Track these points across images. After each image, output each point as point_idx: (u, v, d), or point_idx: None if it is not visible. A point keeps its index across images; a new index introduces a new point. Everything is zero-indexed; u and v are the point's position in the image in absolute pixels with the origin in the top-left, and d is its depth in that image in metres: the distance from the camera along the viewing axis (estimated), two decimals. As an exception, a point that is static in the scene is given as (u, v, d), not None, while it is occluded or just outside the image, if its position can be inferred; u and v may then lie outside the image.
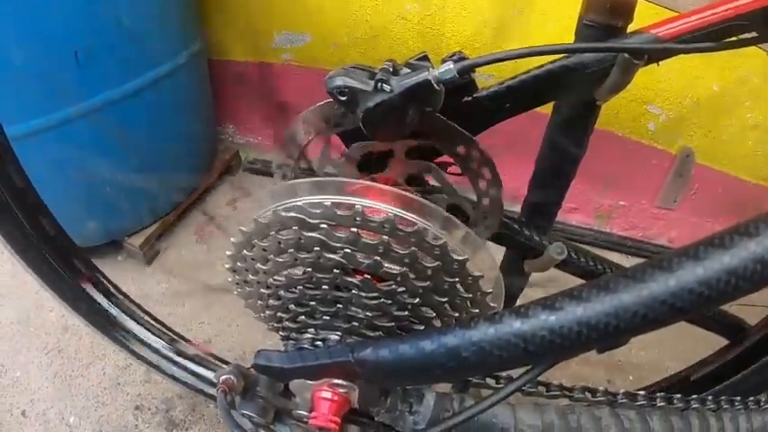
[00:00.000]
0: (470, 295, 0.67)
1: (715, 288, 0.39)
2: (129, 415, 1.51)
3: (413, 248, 0.62)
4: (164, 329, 1.17)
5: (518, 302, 1.05)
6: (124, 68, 1.58)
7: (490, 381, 0.81)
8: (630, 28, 0.73)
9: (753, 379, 1.01)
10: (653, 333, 0.44)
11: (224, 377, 0.71)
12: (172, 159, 1.92)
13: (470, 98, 0.73)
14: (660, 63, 0.71)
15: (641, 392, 0.80)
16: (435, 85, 0.60)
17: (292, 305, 0.71)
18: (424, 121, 0.63)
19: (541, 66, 0.73)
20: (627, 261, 2.07)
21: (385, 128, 0.64)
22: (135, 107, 1.64)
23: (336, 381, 0.68)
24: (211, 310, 1.81)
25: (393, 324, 0.68)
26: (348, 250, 0.62)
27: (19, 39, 1.32)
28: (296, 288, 0.69)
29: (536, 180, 0.94)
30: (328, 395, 0.68)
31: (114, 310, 1.08)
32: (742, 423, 0.73)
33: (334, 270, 0.65)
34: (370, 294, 0.65)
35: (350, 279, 0.65)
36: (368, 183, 0.64)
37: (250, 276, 0.74)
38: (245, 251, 0.71)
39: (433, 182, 0.80)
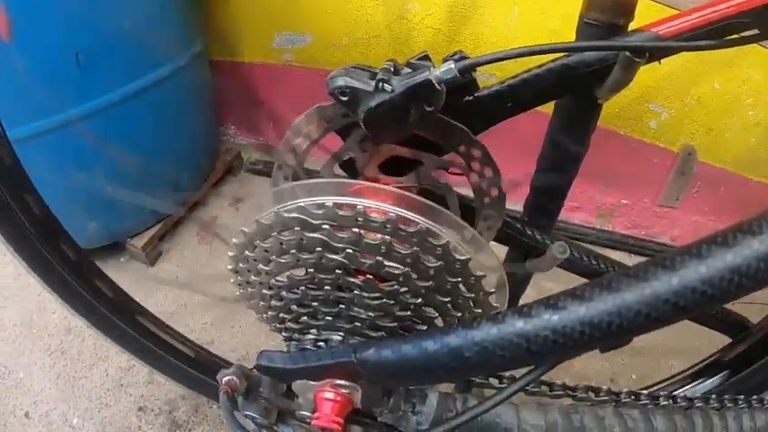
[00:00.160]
0: (473, 295, 0.67)
1: (718, 287, 0.39)
2: (133, 416, 1.51)
3: (415, 248, 0.61)
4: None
5: (520, 302, 1.05)
6: (125, 70, 1.58)
7: (493, 380, 0.81)
8: (632, 26, 0.73)
9: (756, 377, 1.01)
10: (656, 331, 0.44)
11: (227, 378, 0.71)
12: (173, 160, 1.92)
13: (472, 97, 0.73)
14: (662, 61, 0.71)
15: (644, 392, 0.80)
16: (436, 84, 0.60)
17: (294, 306, 0.71)
18: (426, 120, 0.63)
19: (543, 64, 0.73)
20: (629, 259, 2.07)
21: (386, 128, 0.63)
22: (136, 108, 1.64)
23: (339, 381, 0.68)
24: (214, 311, 1.81)
25: (395, 324, 0.68)
26: (350, 251, 0.62)
27: (20, 41, 1.32)
28: (298, 289, 0.69)
29: (538, 179, 0.94)
30: (331, 396, 0.68)
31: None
32: (746, 421, 0.73)
33: (337, 270, 0.65)
34: (373, 294, 0.65)
35: (352, 279, 0.65)
36: (369, 183, 0.64)
37: (252, 277, 0.74)
38: (246, 252, 0.71)
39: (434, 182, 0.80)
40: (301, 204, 0.64)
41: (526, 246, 0.93)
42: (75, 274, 0.93)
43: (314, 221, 0.62)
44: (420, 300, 0.65)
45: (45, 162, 1.48)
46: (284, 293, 0.71)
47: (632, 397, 0.79)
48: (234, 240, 0.72)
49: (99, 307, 0.98)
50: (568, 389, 0.80)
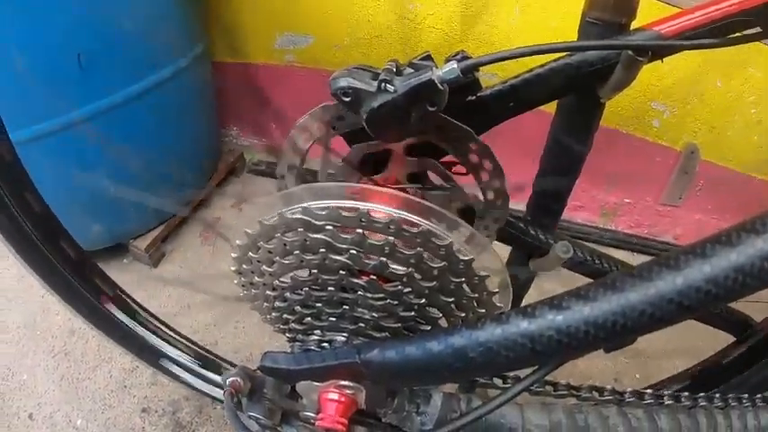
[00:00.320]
0: (477, 295, 0.67)
1: (722, 286, 0.39)
2: (136, 417, 1.51)
3: (418, 249, 0.61)
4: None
5: (524, 302, 1.05)
6: (127, 71, 1.58)
7: (497, 380, 0.81)
8: (634, 25, 0.73)
9: (760, 375, 1.01)
10: (660, 330, 0.44)
11: (231, 379, 0.71)
12: (176, 162, 1.92)
13: (474, 97, 0.73)
14: (664, 60, 0.71)
15: (648, 391, 0.80)
16: (439, 84, 0.60)
17: (298, 307, 0.71)
18: (428, 120, 0.63)
19: (545, 64, 0.73)
20: (632, 259, 2.07)
21: (389, 128, 0.64)
22: (138, 110, 1.64)
23: (343, 382, 0.68)
24: (217, 312, 1.81)
25: (399, 325, 0.68)
26: (354, 251, 0.62)
27: (21, 43, 1.32)
28: (302, 290, 0.69)
29: (541, 178, 0.94)
30: (335, 396, 0.68)
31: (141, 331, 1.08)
32: (750, 420, 0.73)
33: (340, 271, 0.65)
34: (377, 295, 0.65)
35: (356, 280, 0.65)
36: (372, 187, 0.64)
37: (256, 278, 0.74)
38: (250, 253, 0.71)
39: (437, 182, 0.80)
40: (305, 205, 0.64)
41: (529, 245, 0.93)
42: (77, 274, 0.93)
43: (317, 222, 0.62)
44: (424, 300, 0.65)
45: (47, 164, 1.48)
46: (288, 294, 0.71)
47: (636, 396, 0.79)
48: (237, 242, 0.72)
49: (99, 307, 0.98)
50: (572, 389, 0.80)
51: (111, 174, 1.68)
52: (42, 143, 1.47)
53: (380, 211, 0.62)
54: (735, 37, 0.66)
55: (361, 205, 0.61)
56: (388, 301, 0.65)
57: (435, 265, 0.63)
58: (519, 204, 0.94)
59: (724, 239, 0.40)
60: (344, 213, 0.61)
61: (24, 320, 1.77)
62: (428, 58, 0.66)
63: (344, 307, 0.68)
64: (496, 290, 0.67)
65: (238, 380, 0.71)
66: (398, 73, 0.62)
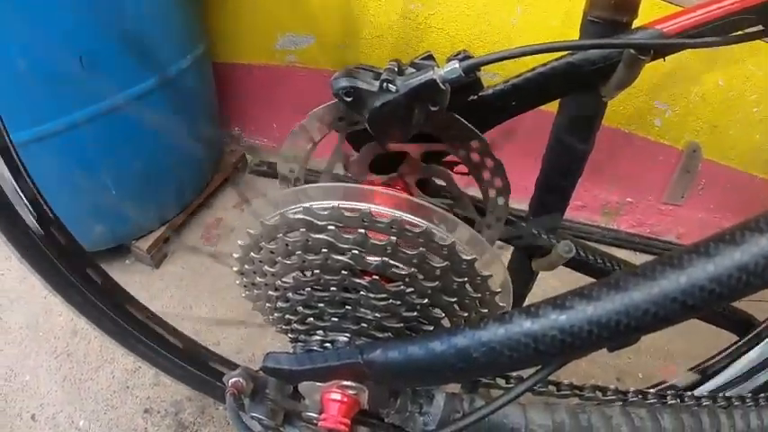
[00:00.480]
0: (479, 295, 0.67)
1: (726, 285, 0.39)
2: (139, 418, 1.51)
3: (421, 249, 0.61)
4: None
5: (526, 301, 1.05)
6: (129, 73, 1.58)
7: (500, 380, 0.81)
8: (635, 24, 0.73)
9: (763, 375, 1.01)
10: (662, 330, 0.44)
11: (233, 380, 0.71)
12: (178, 163, 1.92)
13: (476, 97, 0.73)
14: (666, 58, 0.71)
15: (652, 390, 0.79)
16: (441, 84, 0.60)
17: (300, 307, 0.71)
18: (430, 119, 0.63)
19: (547, 63, 0.73)
20: (635, 258, 2.06)
21: (391, 128, 0.63)
22: (140, 111, 1.64)
23: (346, 382, 0.67)
24: (219, 313, 1.81)
25: (402, 325, 0.68)
26: (356, 251, 0.62)
27: (23, 44, 1.32)
28: (304, 290, 0.69)
29: (543, 178, 0.94)
30: (338, 397, 0.68)
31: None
32: (753, 420, 0.73)
33: (343, 271, 0.65)
34: (379, 295, 0.65)
35: (358, 280, 0.65)
36: (374, 188, 0.64)
37: (258, 279, 0.74)
38: (252, 254, 0.71)
39: (439, 182, 0.80)
40: (307, 205, 0.63)
41: (532, 245, 0.93)
42: (79, 275, 0.93)
43: (319, 222, 0.62)
44: (426, 300, 0.65)
45: (49, 165, 1.49)
46: (290, 295, 0.71)
47: (640, 396, 0.78)
48: (239, 242, 0.72)
49: (102, 307, 0.98)
50: (576, 388, 0.80)
51: (113, 174, 1.68)
52: (44, 144, 1.47)
53: (384, 212, 0.62)
54: (736, 35, 0.66)
55: (364, 206, 0.61)
56: (391, 301, 0.65)
57: (438, 265, 0.63)
58: (521, 204, 0.94)
59: (727, 238, 0.40)
60: (347, 213, 0.61)
61: (27, 321, 1.78)
62: (430, 57, 0.66)
63: (347, 307, 0.68)
64: (499, 289, 0.67)
65: (241, 380, 0.71)
66: (400, 73, 0.63)
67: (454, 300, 0.66)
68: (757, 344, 1.04)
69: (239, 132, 2.54)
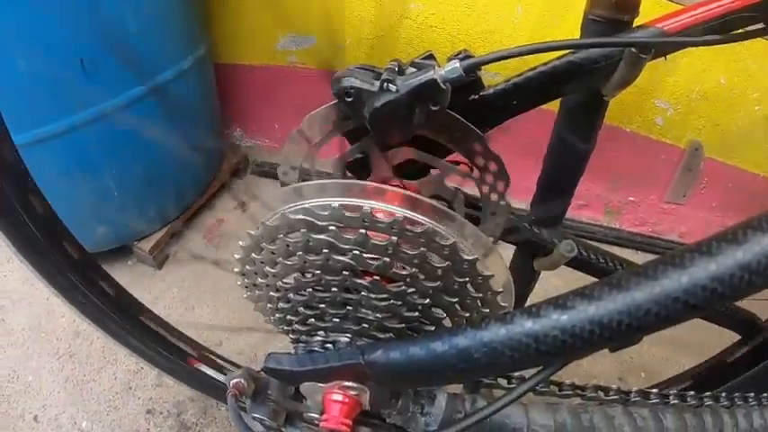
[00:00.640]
0: (481, 295, 0.67)
1: (729, 284, 0.39)
2: (141, 419, 1.51)
3: (422, 249, 0.61)
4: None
5: (528, 301, 1.05)
6: (130, 74, 1.58)
7: (502, 380, 0.81)
8: (636, 22, 0.72)
9: (766, 374, 1.01)
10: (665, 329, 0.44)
11: (235, 381, 0.71)
12: (179, 163, 1.92)
13: (477, 96, 0.73)
14: (667, 57, 0.70)
15: (654, 390, 0.79)
16: (441, 83, 0.60)
17: (302, 308, 0.71)
18: (431, 118, 0.63)
19: (548, 62, 0.72)
20: (637, 257, 2.06)
21: (392, 128, 0.63)
22: (142, 113, 1.64)
23: (347, 383, 0.67)
24: (221, 313, 1.81)
25: (403, 325, 0.68)
26: (357, 252, 0.62)
27: (24, 47, 1.33)
28: (305, 291, 0.69)
29: (545, 177, 0.94)
30: (339, 397, 0.68)
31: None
32: (756, 419, 0.73)
33: (344, 272, 0.64)
34: (380, 296, 0.65)
35: (359, 281, 0.65)
36: (375, 184, 0.64)
37: (259, 279, 0.74)
38: (253, 254, 0.71)
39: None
40: (307, 206, 0.63)
41: (534, 244, 0.92)
42: (81, 277, 0.93)
43: (320, 223, 0.62)
44: (428, 300, 0.65)
45: (51, 167, 1.49)
46: (291, 295, 0.70)
47: (642, 396, 0.78)
48: (240, 243, 0.71)
49: (105, 309, 0.98)
50: (578, 388, 0.79)
51: (114, 176, 1.68)
52: (46, 146, 1.47)
53: (384, 209, 0.61)
54: (738, 33, 0.65)
55: (365, 203, 0.61)
56: (392, 301, 0.65)
57: (439, 265, 0.63)
58: (523, 203, 0.93)
59: (730, 237, 0.39)
60: (347, 213, 0.61)
61: (29, 322, 1.78)
62: (430, 57, 0.66)
63: (348, 308, 0.68)
64: (501, 289, 0.67)
65: (242, 381, 0.71)
66: (401, 72, 0.62)
67: (455, 300, 0.66)
68: (760, 343, 1.04)
69: (241, 133, 2.54)
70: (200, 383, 1.13)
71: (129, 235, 1.92)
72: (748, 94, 1.72)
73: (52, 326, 1.76)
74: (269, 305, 0.76)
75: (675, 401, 0.78)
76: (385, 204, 0.62)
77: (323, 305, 0.69)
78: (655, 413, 0.72)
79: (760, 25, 0.64)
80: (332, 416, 0.67)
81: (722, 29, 0.65)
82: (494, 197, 0.75)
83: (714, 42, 0.65)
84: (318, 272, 0.66)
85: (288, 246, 0.65)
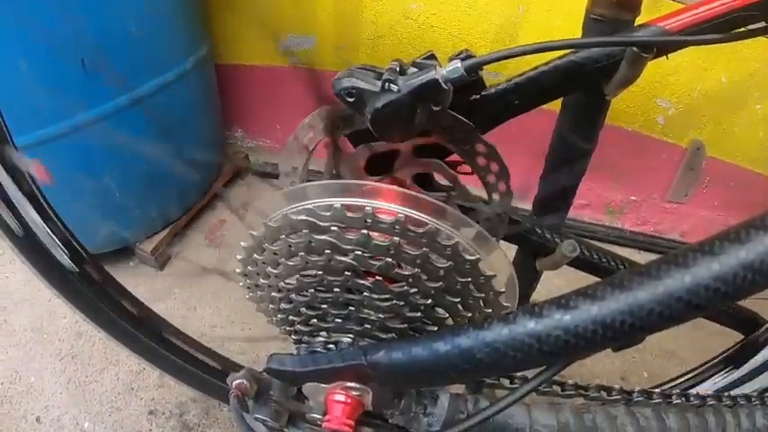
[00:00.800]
0: (483, 295, 0.66)
1: (731, 284, 0.39)
2: (144, 420, 1.51)
3: (424, 249, 0.61)
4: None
5: (530, 301, 1.05)
6: (131, 75, 1.58)
7: (504, 380, 0.81)
8: (638, 21, 0.72)
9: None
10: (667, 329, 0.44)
11: (237, 381, 0.71)
12: (181, 164, 1.92)
13: (478, 96, 0.73)
14: (669, 56, 0.70)
15: (657, 390, 0.79)
16: (443, 83, 0.59)
17: (304, 308, 0.71)
18: (433, 118, 0.63)
19: (549, 62, 0.72)
20: (639, 256, 2.06)
21: (393, 128, 0.63)
22: (143, 113, 1.64)
23: (350, 384, 0.67)
24: (223, 314, 1.81)
25: (405, 326, 0.68)
26: (359, 252, 0.62)
27: (25, 48, 1.33)
28: (307, 291, 0.69)
29: (547, 177, 0.94)
30: (342, 398, 0.68)
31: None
32: (759, 418, 0.73)
33: (346, 272, 0.64)
34: (382, 296, 0.65)
35: (361, 281, 0.65)
36: (377, 184, 0.64)
37: (261, 280, 0.74)
38: (255, 255, 0.71)
39: (442, 181, 0.80)
40: (309, 206, 0.63)
41: (536, 244, 0.92)
42: (86, 281, 0.93)
43: (322, 223, 0.62)
44: (430, 300, 0.65)
45: (53, 168, 1.48)
46: (293, 296, 0.70)
47: (645, 396, 0.78)
48: (242, 243, 0.71)
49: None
50: (580, 388, 0.79)
51: (116, 177, 1.69)
52: (48, 147, 1.47)
53: (386, 209, 0.61)
54: (740, 32, 0.65)
55: (367, 203, 0.61)
56: (394, 301, 0.65)
57: (441, 266, 0.63)
58: (525, 203, 0.93)
59: (733, 237, 0.39)
60: (349, 214, 0.61)
61: (31, 323, 1.78)
62: (432, 57, 0.65)
63: (350, 308, 0.68)
64: (503, 289, 0.67)
65: (245, 382, 0.71)
66: (402, 73, 0.62)
67: (458, 300, 0.66)
68: (762, 342, 1.04)
69: (242, 133, 2.54)
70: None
71: (131, 236, 1.93)
72: (750, 92, 1.72)
73: (54, 327, 1.76)
74: (271, 306, 0.76)
75: (678, 401, 0.78)
76: (386, 204, 0.62)
77: (325, 306, 0.69)
78: (657, 413, 0.71)
79: (761, 24, 0.64)
80: (334, 416, 0.67)
81: (724, 28, 0.65)
82: (495, 197, 0.75)
83: (716, 41, 0.65)
84: (321, 272, 0.66)
85: (290, 246, 0.65)
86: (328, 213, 0.62)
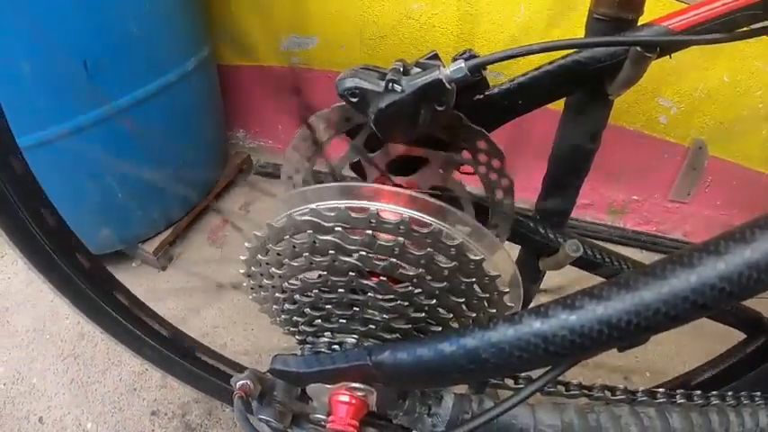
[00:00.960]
0: (487, 295, 0.66)
1: (737, 283, 0.39)
2: (146, 420, 1.51)
3: (429, 249, 0.61)
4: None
5: (533, 301, 1.05)
6: (133, 76, 1.58)
7: (508, 380, 0.81)
8: (641, 21, 0.72)
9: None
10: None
11: (241, 382, 0.71)
12: (183, 165, 1.93)
13: (482, 96, 0.73)
14: (672, 55, 0.70)
15: (660, 390, 0.79)
16: (447, 83, 0.59)
17: (308, 309, 0.71)
18: (436, 119, 0.63)
19: (552, 61, 0.72)
20: (641, 256, 2.06)
21: (397, 128, 0.63)
22: (145, 114, 1.64)
23: (354, 384, 0.67)
24: (226, 315, 1.81)
25: (410, 326, 0.68)
26: (363, 253, 0.62)
27: (28, 49, 1.33)
28: (311, 292, 0.69)
29: (550, 177, 0.93)
30: (346, 399, 0.68)
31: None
32: (762, 418, 0.73)
33: (350, 273, 0.64)
34: (387, 296, 0.65)
35: (366, 282, 0.65)
36: (382, 186, 0.64)
37: (265, 281, 0.74)
38: (259, 256, 0.71)
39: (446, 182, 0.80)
40: (313, 207, 0.63)
41: (539, 244, 0.92)
42: (92, 286, 0.94)
43: (326, 224, 0.62)
44: (434, 301, 0.65)
45: (55, 169, 1.49)
46: (297, 296, 0.70)
47: (648, 395, 0.78)
48: (246, 244, 0.71)
49: (111, 312, 0.99)
50: (585, 388, 0.79)
51: (118, 178, 1.69)
52: (50, 148, 1.47)
53: (391, 210, 0.61)
54: (743, 31, 0.65)
55: (372, 205, 0.61)
56: (399, 302, 0.65)
57: (446, 266, 0.63)
58: (528, 203, 0.93)
59: (738, 236, 0.39)
60: (354, 214, 0.61)
61: (34, 324, 1.78)
62: (435, 57, 0.65)
63: (354, 309, 0.68)
64: (507, 289, 0.67)
65: (248, 383, 0.71)
66: (405, 73, 0.62)
67: (462, 300, 0.66)
68: (765, 342, 1.04)
69: (244, 134, 2.54)
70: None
71: (134, 237, 1.93)
72: (752, 91, 1.71)
73: (57, 328, 1.77)
74: (275, 306, 0.76)
75: (682, 401, 0.78)
76: (392, 206, 0.62)
77: (329, 306, 0.69)
78: (661, 413, 0.71)
79: (764, 23, 0.64)
80: (338, 417, 0.68)
81: (726, 27, 0.65)
82: (498, 196, 0.75)
83: (719, 41, 0.65)
84: (325, 273, 0.66)
85: (294, 247, 0.65)
86: (332, 214, 0.62)
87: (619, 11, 0.72)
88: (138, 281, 1.92)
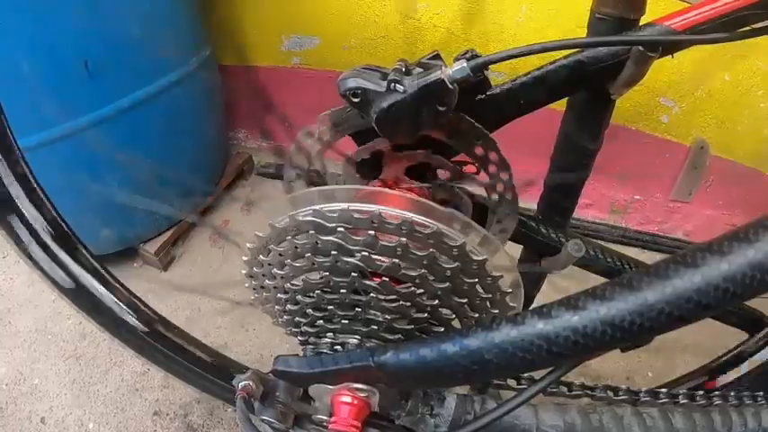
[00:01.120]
0: (490, 295, 0.66)
1: (741, 284, 0.39)
2: (148, 420, 1.51)
3: (431, 250, 0.61)
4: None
5: (535, 301, 1.05)
6: (134, 77, 1.58)
7: (510, 381, 0.81)
8: (643, 20, 0.72)
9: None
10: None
11: (243, 383, 0.71)
12: (185, 165, 1.93)
13: (484, 96, 0.73)
14: (674, 55, 0.70)
15: (663, 390, 0.79)
16: (449, 83, 0.59)
17: (310, 310, 0.71)
18: (438, 119, 0.63)
19: (555, 61, 0.72)
20: (643, 255, 2.05)
21: (399, 128, 0.63)
22: (146, 115, 1.64)
23: (356, 385, 0.67)
24: (227, 315, 1.81)
25: (412, 327, 0.68)
26: (366, 253, 0.62)
27: (28, 50, 1.33)
28: (313, 292, 0.68)
29: (552, 176, 0.93)
30: (348, 399, 0.67)
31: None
32: (765, 418, 0.72)
33: (352, 273, 0.64)
34: (389, 297, 0.65)
35: (368, 282, 0.64)
36: (384, 190, 0.64)
37: (267, 282, 0.73)
38: (261, 256, 0.71)
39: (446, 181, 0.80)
40: (316, 207, 0.63)
41: (541, 244, 0.92)
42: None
43: (329, 224, 0.62)
44: (437, 301, 0.65)
45: (57, 170, 1.49)
46: (299, 297, 0.70)
47: (651, 396, 0.78)
48: (248, 245, 0.71)
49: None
50: (587, 389, 0.79)
51: (120, 178, 1.69)
52: (51, 149, 1.47)
53: (394, 214, 0.61)
54: (745, 30, 0.65)
55: (374, 208, 0.61)
56: (401, 302, 0.65)
57: (448, 266, 0.62)
58: (530, 203, 0.93)
59: (741, 236, 0.39)
60: (356, 215, 0.61)
61: (36, 325, 1.78)
62: (437, 57, 0.65)
63: (357, 309, 0.68)
64: (509, 290, 0.67)
65: (250, 383, 0.71)
66: (407, 73, 0.62)
67: (464, 301, 0.66)
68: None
69: (245, 134, 2.54)
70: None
71: (135, 237, 1.93)
72: (753, 91, 1.71)
73: (58, 328, 1.77)
74: (277, 307, 0.76)
75: (684, 401, 0.78)
76: (393, 209, 0.62)
77: (332, 307, 0.69)
78: (664, 413, 0.71)
79: (766, 23, 0.64)
80: (341, 418, 0.67)
81: (729, 26, 0.65)
82: (500, 197, 0.75)
83: (722, 40, 0.65)
84: (327, 273, 0.66)
85: (296, 247, 0.65)
86: (335, 215, 0.61)
87: (621, 10, 0.72)
88: (140, 282, 1.91)
